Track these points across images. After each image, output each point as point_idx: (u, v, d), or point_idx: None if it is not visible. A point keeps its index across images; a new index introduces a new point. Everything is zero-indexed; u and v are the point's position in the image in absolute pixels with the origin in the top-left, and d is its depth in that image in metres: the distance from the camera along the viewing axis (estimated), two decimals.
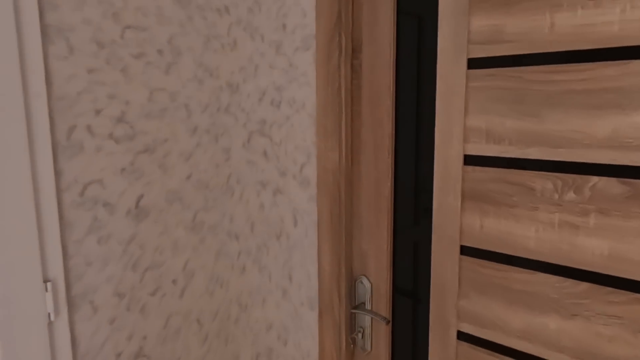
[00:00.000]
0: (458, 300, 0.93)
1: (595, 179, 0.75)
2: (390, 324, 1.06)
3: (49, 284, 1.01)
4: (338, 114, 1.01)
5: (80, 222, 1.08)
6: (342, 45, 0.98)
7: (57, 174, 1.03)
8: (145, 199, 1.19)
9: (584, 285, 0.78)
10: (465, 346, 0.94)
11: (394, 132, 0.99)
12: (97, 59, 1.06)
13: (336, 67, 0.99)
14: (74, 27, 1.00)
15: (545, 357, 0.84)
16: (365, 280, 1.07)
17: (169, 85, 1.20)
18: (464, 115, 0.87)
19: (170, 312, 1.28)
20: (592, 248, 0.77)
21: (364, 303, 1.08)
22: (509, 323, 0.87)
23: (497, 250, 0.87)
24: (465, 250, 0.92)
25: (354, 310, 1.07)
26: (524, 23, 0.79)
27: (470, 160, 0.89)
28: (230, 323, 1.41)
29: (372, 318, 1.08)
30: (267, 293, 1.27)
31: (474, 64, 0.85)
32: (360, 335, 1.10)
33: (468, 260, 0.91)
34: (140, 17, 1.11)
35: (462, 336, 0.94)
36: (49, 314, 1.02)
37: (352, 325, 1.11)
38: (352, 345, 1.12)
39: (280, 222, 1.19)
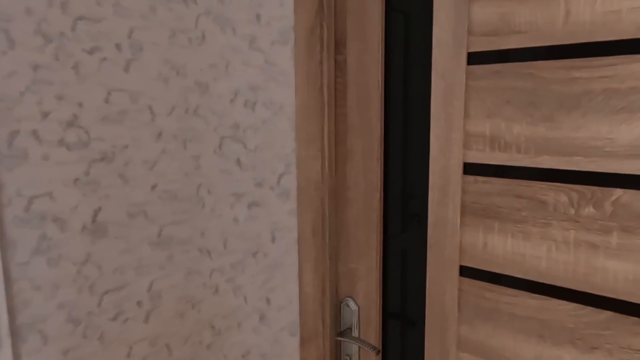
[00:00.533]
0: (458, 327, 0.82)
1: (618, 191, 0.65)
2: (381, 353, 0.94)
3: None
4: (320, 117, 0.89)
5: (25, 241, 0.94)
6: (324, 39, 0.87)
7: None
8: (103, 213, 1.06)
9: (606, 314, 0.68)
10: None
11: (383, 137, 0.88)
12: (43, 55, 0.92)
13: (317, 64, 0.88)
14: (13, 17, 0.87)
15: None
16: (352, 303, 0.96)
17: (129, 84, 1.07)
18: (463, 119, 0.76)
19: (135, 338, 1.15)
20: (614, 271, 0.67)
21: (350, 329, 0.97)
22: (517, 355, 0.76)
23: (503, 272, 0.76)
24: (465, 272, 0.81)
25: (339, 338, 0.95)
26: (535, 10, 0.68)
27: (471, 169, 0.78)
28: (202, 348, 1.28)
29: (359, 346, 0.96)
30: (243, 316, 1.14)
31: (475, 58, 0.75)
32: None
33: (469, 282, 0.80)
34: (94, 7, 0.98)
35: None
36: None
37: (337, 353, 0.99)
38: None
39: (257, 238, 1.06)
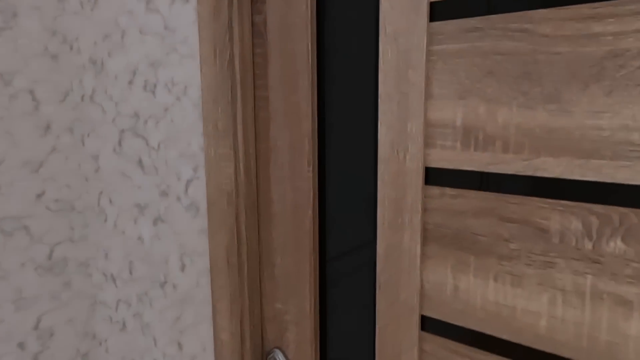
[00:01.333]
0: None
1: None
2: None
3: None
4: (231, 102, 0.64)
5: None
6: None
7: None
8: None
9: None
10: None
11: (317, 129, 0.63)
12: None
13: (226, 27, 0.62)
14: None
15: None
16: (280, 356, 0.70)
17: None
18: (424, 100, 0.51)
19: None
20: None
21: None
22: None
23: (483, 331, 0.51)
24: (429, 325, 0.56)
25: None
26: None
27: (436, 176, 0.53)
28: None
29: None
30: None
31: (442, 10, 0.50)
32: None
33: (435, 341, 0.55)
34: None
35: None
36: None
37: None
38: None
39: (164, 264, 0.81)
